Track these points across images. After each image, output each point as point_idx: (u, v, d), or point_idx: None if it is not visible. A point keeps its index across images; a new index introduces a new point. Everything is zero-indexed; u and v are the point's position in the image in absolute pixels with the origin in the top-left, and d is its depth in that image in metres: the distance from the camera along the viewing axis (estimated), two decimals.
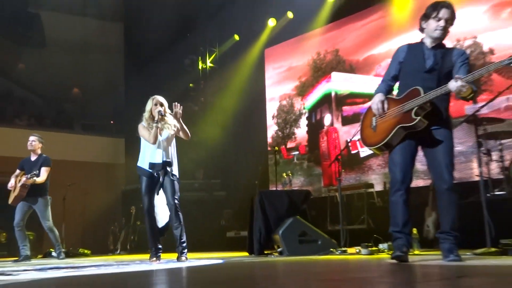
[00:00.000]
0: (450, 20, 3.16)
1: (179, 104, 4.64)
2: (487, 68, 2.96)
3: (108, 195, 11.56)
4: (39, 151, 6.53)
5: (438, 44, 3.22)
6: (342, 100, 8.74)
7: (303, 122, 9.44)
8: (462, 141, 6.90)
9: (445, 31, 3.17)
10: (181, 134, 4.78)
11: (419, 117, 3.02)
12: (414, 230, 4.72)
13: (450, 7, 3.16)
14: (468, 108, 6.89)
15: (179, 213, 4.63)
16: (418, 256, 3.88)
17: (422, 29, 3.27)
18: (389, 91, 3.35)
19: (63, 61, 13.13)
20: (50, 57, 13.20)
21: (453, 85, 2.91)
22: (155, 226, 4.74)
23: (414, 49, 3.29)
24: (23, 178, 6.16)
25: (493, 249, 3.72)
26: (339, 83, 8.84)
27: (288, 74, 9.89)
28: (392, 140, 3.12)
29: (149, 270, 3.45)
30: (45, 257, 7.73)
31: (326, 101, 9.04)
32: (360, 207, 7.23)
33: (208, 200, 10.05)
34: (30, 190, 6.20)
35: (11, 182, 6.37)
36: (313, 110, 9.29)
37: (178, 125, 4.72)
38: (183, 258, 4.53)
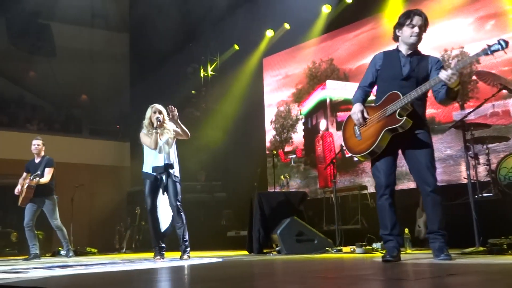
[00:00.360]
0: (423, 27, 3.15)
1: (173, 106, 4.64)
2: (470, 58, 2.90)
3: (114, 196, 11.52)
4: (42, 153, 6.54)
5: (414, 52, 3.19)
6: (337, 106, 8.75)
7: (300, 127, 9.44)
8: (450, 145, 6.91)
9: (419, 37, 3.15)
10: (181, 135, 4.77)
11: (404, 117, 2.97)
12: (406, 230, 4.72)
13: (422, 14, 3.15)
14: (456, 114, 6.91)
15: (182, 213, 4.63)
16: (409, 255, 3.86)
17: (396, 37, 3.25)
18: (366, 97, 3.31)
19: (72, 69, 13.14)
20: (59, 66, 13.21)
21: (443, 74, 2.86)
22: (157, 226, 4.73)
23: (390, 57, 3.26)
24: (28, 180, 6.16)
25: (481, 249, 3.70)
26: (334, 90, 8.84)
27: (285, 81, 9.90)
28: (380, 144, 3.05)
29: (153, 268, 3.43)
30: (54, 256, 7.69)
31: (321, 107, 9.04)
32: (354, 208, 7.22)
33: (210, 201, 10.04)
34: (37, 191, 6.18)
35: (18, 187, 6.38)
36: (309, 115, 9.29)
37: (177, 128, 4.73)
38: (186, 256, 4.53)
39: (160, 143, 4.68)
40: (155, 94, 9.66)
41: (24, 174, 6.47)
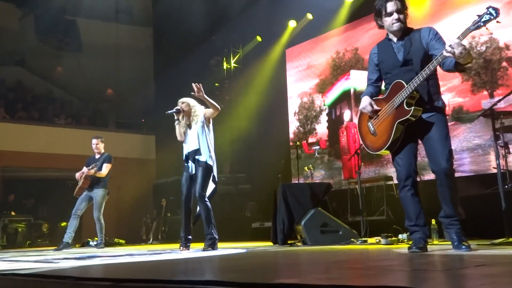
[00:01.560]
0: (401, 9, 2.99)
1: (198, 84, 4.59)
2: (463, 34, 2.71)
3: (140, 189, 11.72)
4: (102, 150, 6.94)
5: (404, 33, 3.05)
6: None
7: (324, 118, 9.36)
8: (479, 134, 6.74)
9: (401, 21, 3.00)
10: (212, 113, 4.75)
11: (412, 107, 2.88)
12: (433, 221, 4.63)
13: None
14: (485, 102, 6.72)
15: (202, 204, 4.60)
16: (437, 246, 3.80)
17: (381, 27, 3.13)
18: (377, 92, 3.23)
19: (98, 64, 13.38)
20: (86, 61, 13.47)
21: (450, 48, 2.65)
22: (187, 217, 4.73)
23: (384, 47, 3.15)
24: (85, 169, 6.60)
25: (511, 239, 3.61)
26: (358, 80, 8.72)
27: (309, 72, 9.82)
28: (395, 137, 2.98)
29: (178, 259, 3.48)
30: (83, 246, 7.89)
31: (345, 98, 8.94)
32: (379, 199, 7.14)
33: (234, 193, 10.09)
34: (91, 183, 6.63)
35: (77, 176, 6.81)
36: (333, 106, 9.20)
37: (207, 109, 4.73)
38: (207, 247, 4.53)
39: (188, 131, 4.74)
40: (179, 87, 9.73)
41: (84, 168, 6.84)
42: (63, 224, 10.26)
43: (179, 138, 4.81)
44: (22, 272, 2.34)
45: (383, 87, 3.26)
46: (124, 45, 13.88)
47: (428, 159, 3.00)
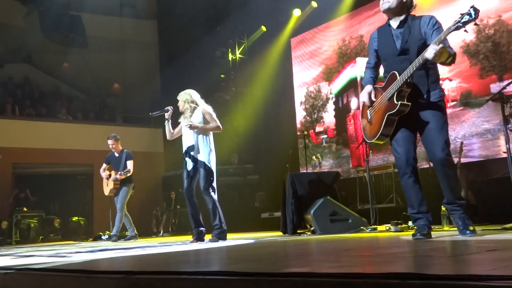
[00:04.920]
0: None
1: (190, 124, 4.65)
2: (444, 33, 2.67)
3: (149, 182, 11.78)
4: (120, 148, 7.05)
5: (404, 20, 3.00)
6: None
7: (330, 106, 9.32)
8: (488, 119, 6.67)
9: (390, 1, 2.95)
10: (211, 126, 4.78)
11: (399, 102, 2.87)
12: (442, 207, 4.61)
13: None
14: (494, 86, 6.64)
15: (207, 196, 4.63)
16: (447, 232, 3.79)
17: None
18: (376, 76, 3.23)
19: (104, 58, 13.41)
20: (91, 56, 13.50)
21: (429, 52, 2.68)
22: (193, 210, 4.76)
23: (384, 33, 3.11)
24: (117, 175, 6.78)
25: None
26: (364, 67, 8.65)
27: (314, 61, 9.76)
28: (386, 129, 2.99)
29: (188, 250, 3.50)
30: (95, 240, 7.98)
31: (352, 86, 8.88)
32: (388, 186, 7.12)
33: (243, 183, 10.12)
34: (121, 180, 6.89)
35: (104, 175, 7.08)
36: (340, 95, 9.16)
37: (206, 108, 4.79)
38: (215, 239, 4.55)
39: (183, 127, 4.79)
40: (185, 79, 9.74)
41: (104, 165, 7.05)
42: (75, 218, 10.39)
43: (168, 137, 4.98)
44: (36, 266, 2.38)
45: (381, 74, 3.25)
46: (129, 39, 13.88)
47: (425, 149, 2.99)
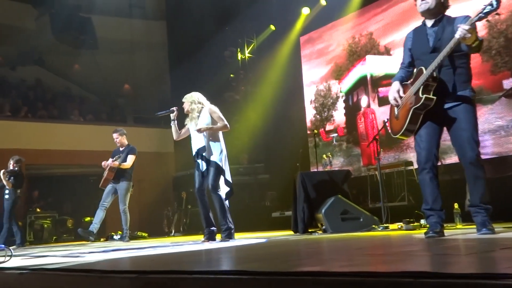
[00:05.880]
0: None
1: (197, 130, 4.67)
2: (471, 21, 2.70)
3: (160, 182, 11.85)
4: (125, 142, 6.99)
5: (438, 19, 3.00)
6: (378, 82, 8.52)
7: (341, 105, 9.28)
8: (501, 115, 6.59)
9: (429, 3, 2.95)
10: (219, 126, 4.78)
11: (424, 95, 2.87)
12: (456, 205, 4.58)
13: None
14: (507, 82, 6.56)
15: (214, 195, 4.64)
16: (460, 230, 3.75)
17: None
18: (408, 76, 3.21)
19: (114, 60, 13.50)
20: (102, 57, 13.60)
21: (458, 32, 2.69)
22: (204, 209, 4.77)
23: (418, 33, 3.13)
24: (110, 162, 6.64)
25: None
26: (374, 65, 8.61)
27: (324, 59, 9.73)
28: (411, 124, 2.98)
29: (200, 250, 3.52)
30: (107, 240, 8.04)
31: (362, 84, 8.84)
32: (400, 185, 7.07)
33: (253, 183, 10.13)
34: (116, 175, 6.68)
35: (103, 164, 6.88)
36: (350, 93, 9.11)
37: (213, 109, 4.80)
38: (225, 239, 4.56)
39: (191, 129, 4.80)
40: (194, 80, 9.78)
41: (110, 159, 6.92)
42: (87, 219, 10.47)
43: (175, 137, 5.01)
44: (50, 267, 2.41)
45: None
46: (138, 40, 13.96)
47: (455, 149, 3.00)
